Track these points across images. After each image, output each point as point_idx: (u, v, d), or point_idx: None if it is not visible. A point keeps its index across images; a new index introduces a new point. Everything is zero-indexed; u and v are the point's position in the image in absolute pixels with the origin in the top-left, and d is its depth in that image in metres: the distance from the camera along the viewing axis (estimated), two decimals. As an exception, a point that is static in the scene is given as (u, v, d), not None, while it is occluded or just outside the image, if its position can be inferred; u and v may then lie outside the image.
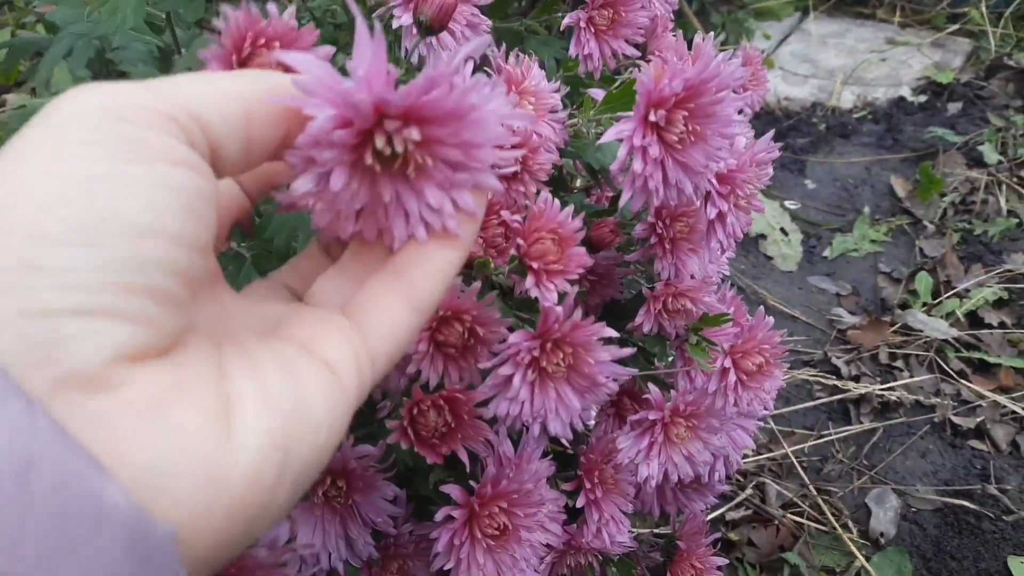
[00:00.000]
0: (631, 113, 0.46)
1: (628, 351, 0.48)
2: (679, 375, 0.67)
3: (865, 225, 1.58)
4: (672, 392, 0.58)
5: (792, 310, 1.41)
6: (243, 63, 0.38)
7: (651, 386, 0.57)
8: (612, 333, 0.46)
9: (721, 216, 0.52)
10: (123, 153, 0.21)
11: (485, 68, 0.69)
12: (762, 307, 0.57)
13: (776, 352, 0.56)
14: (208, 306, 0.28)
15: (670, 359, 0.68)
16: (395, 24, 0.54)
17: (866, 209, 1.63)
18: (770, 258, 1.54)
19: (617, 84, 0.59)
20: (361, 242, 0.31)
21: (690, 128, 0.44)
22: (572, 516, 0.62)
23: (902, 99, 2.01)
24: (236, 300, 0.30)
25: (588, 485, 0.59)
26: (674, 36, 0.75)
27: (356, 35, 0.28)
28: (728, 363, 0.55)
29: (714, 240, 0.54)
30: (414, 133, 0.28)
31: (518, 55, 0.59)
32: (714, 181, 0.51)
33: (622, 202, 0.46)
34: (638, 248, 0.62)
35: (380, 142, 0.28)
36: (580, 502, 0.59)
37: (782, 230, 1.58)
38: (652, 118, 0.43)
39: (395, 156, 0.29)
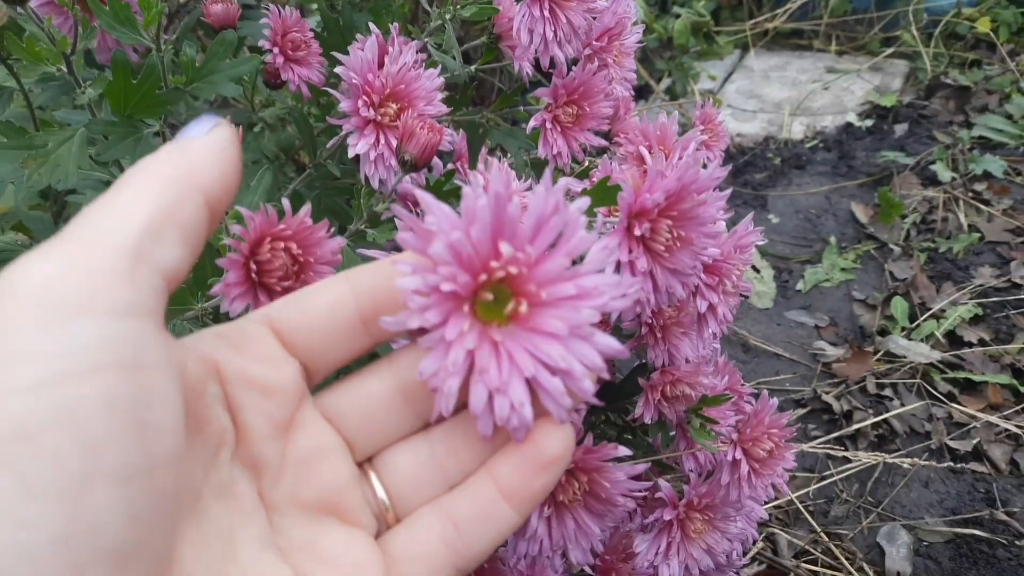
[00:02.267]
0: (612, 221, 0.46)
1: (642, 467, 0.47)
2: (684, 457, 0.65)
3: (833, 254, 1.60)
4: (683, 486, 0.57)
5: (774, 347, 1.41)
6: (262, 267, 0.37)
7: (662, 483, 0.56)
8: (626, 452, 0.45)
9: (712, 308, 0.52)
10: None
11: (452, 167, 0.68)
12: (766, 392, 0.56)
13: (784, 434, 0.55)
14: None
15: (671, 440, 0.67)
16: (351, 152, 0.53)
17: (832, 238, 1.65)
18: (745, 297, 1.54)
19: (592, 181, 0.59)
20: (458, 421, 0.29)
21: (675, 234, 0.44)
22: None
23: (850, 125, 2.05)
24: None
25: (608, 590, 0.57)
26: (637, 116, 0.75)
27: (424, 203, 0.27)
28: (739, 454, 0.54)
29: (707, 331, 0.53)
30: (530, 249, 0.27)
31: (486, 160, 0.59)
32: (702, 275, 0.51)
33: (613, 314, 0.45)
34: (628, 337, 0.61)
35: (495, 263, 0.27)
36: (603, 610, 0.57)
37: (754, 267, 1.59)
38: (637, 231, 0.42)
39: (501, 307, 0.28)
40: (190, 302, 0.48)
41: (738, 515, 0.59)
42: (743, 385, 0.71)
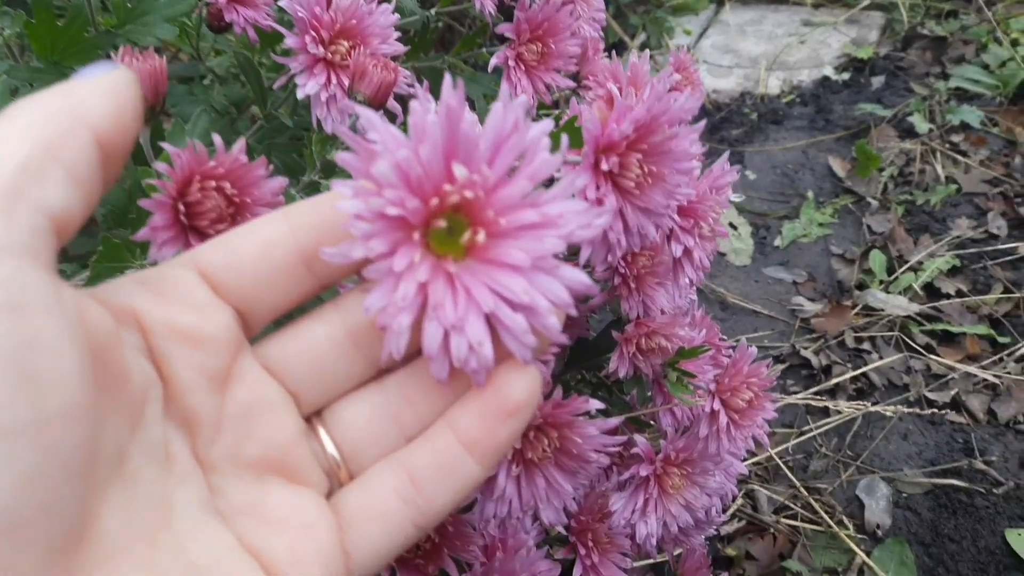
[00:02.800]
0: (579, 158, 0.43)
1: (616, 421, 0.44)
2: (661, 414, 0.63)
3: (811, 209, 1.58)
4: (660, 441, 0.54)
5: (752, 304, 1.39)
6: (191, 210, 0.33)
7: (638, 438, 0.54)
8: (597, 405, 0.42)
9: (688, 252, 0.49)
10: None
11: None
12: (744, 340, 0.54)
13: (764, 383, 0.53)
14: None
15: (649, 396, 0.64)
16: (300, 94, 0.49)
17: (809, 193, 1.63)
18: (723, 254, 1.52)
19: (560, 122, 0.55)
20: (414, 368, 0.26)
21: (646, 170, 0.41)
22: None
23: (826, 79, 2.03)
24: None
25: (583, 551, 0.55)
26: (607, 57, 0.72)
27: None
28: (717, 405, 0.51)
29: (683, 277, 0.51)
30: (486, 170, 0.24)
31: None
32: (676, 216, 0.48)
33: (582, 259, 0.42)
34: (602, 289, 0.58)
35: (449, 187, 0.24)
36: (577, 572, 0.55)
37: (731, 224, 1.57)
38: (605, 166, 0.39)
39: (457, 238, 0.25)
40: (126, 258, 0.44)
41: (717, 469, 0.57)
42: (722, 339, 0.68)
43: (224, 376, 0.25)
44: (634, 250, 0.48)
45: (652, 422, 0.64)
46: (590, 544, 0.55)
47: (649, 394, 0.64)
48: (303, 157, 0.78)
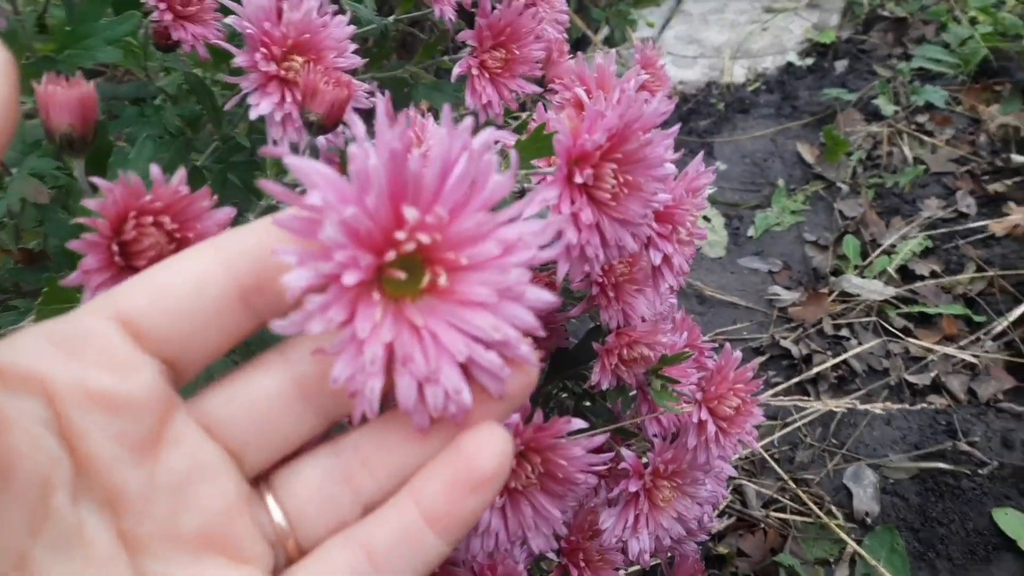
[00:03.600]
0: (551, 170, 0.41)
1: (601, 438, 0.42)
2: (647, 422, 0.62)
3: (783, 197, 1.58)
4: (648, 453, 0.53)
5: (730, 296, 1.39)
6: (127, 249, 0.31)
7: (625, 452, 0.52)
8: (580, 424, 0.41)
9: (667, 259, 0.47)
10: None
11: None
12: (728, 345, 0.52)
13: (751, 388, 0.52)
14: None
15: (632, 405, 0.63)
16: (253, 114, 0.47)
17: (780, 181, 1.63)
18: (698, 247, 1.51)
19: (528, 131, 0.54)
20: (372, 424, 0.24)
21: (621, 180, 0.39)
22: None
23: (791, 65, 2.03)
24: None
25: (575, 572, 0.53)
26: (572, 58, 0.70)
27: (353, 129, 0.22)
28: (704, 414, 0.50)
29: (663, 284, 0.49)
30: (440, 211, 0.22)
31: (408, 116, 0.53)
32: (653, 224, 0.46)
33: (559, 275, 0.40)
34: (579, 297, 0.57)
35: (402, 235, 0.22)
36: (571, 592, 0.53)
37: (704, 217, 1.56)
38: (579, 179, 0.37)
39: (416, 279, 0.23)
40: (72, 298, 0.42)
41: (707, 477, 0.56)
42: (703, 339, 0.67)
43: (153, 441, 0.22)
44: (612, 262, 0.46)
45: (638, 430, 0.63)
46: (582, 564, 0.53)
47: (633, 400, 0.63)
48: (263, 171, 0.75)
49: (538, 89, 0.62)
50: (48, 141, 0.35)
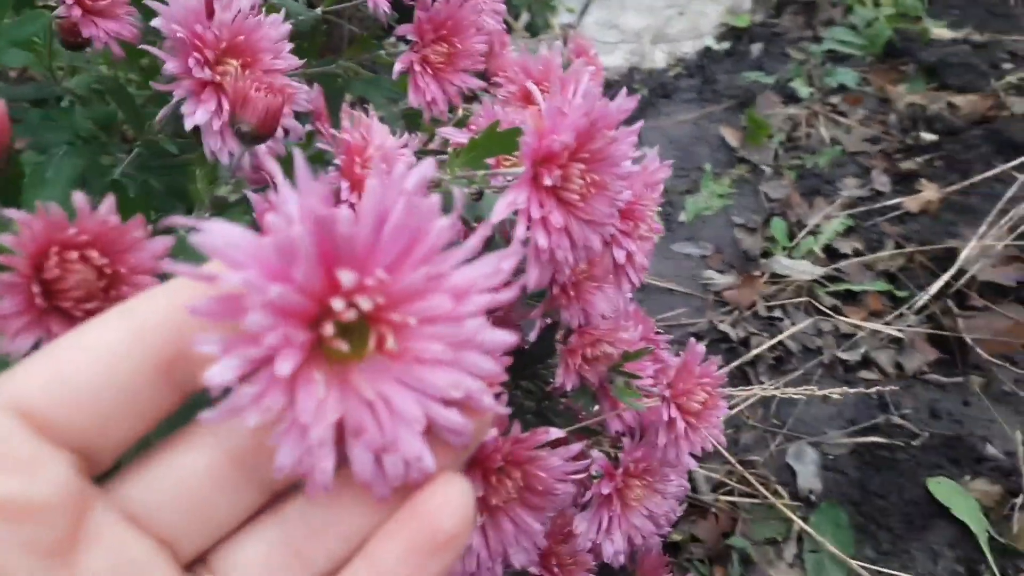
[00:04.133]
0: (516, 171, 0.39)
1: (578, 446, 0.41)
2: (608, 419, 0.61)
3: (710, 181, 1.60)
4: (618, 454, 0.52)
5: (666, 282, 1.40)
6: (50, 288, 0.27)
7: (595, 454, 0.51)
8: (559, 433, 0.39)
9: (630, 257, 0.46)
10: None
11: (312, 131, 0.59)
12: (692, 338, 0.52)
13: (716, 381, 0.51)
14: None
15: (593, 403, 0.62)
16: (188, 124, 0.43)
17: (707, 165, 1.65)
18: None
19: (473, 131, 0.51)
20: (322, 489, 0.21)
21: (588, 180, 0.37)
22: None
23: (708, 49, 2.06)
24: None
25: (548, 579, 0.52)
26: (514, 50, 0.68)
27: (275, 175, 0.20)
28: (673, 412, 0.49)
29: (625, 282, 0.48)
30: (381, 275, 0.20)
31: (351, 116, 0.50)
32: (616, 222, 0.45)
33: (529, 282, 0.38)
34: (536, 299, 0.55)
35: (339, 304, 0.20)
36: (545, 602, 0.52)
37: (635, 204, 1.57)
38: (548, 181, 0.35)
39: (360, 338, 0.21)
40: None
41: (674, 472, 0.55)
42: (657, 332, 0.67)
43: (69, 544, 0.19)
44: (579, 263, 0.45)
45: (599, 428, 0.62)
46: (555, 570, 0.52)
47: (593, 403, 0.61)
48: (190, 178, 0.70)
49: (482, 84, 0.59)
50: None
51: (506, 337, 0.21)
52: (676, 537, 0.99)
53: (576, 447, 0.39)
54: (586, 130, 0.36)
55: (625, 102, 0.37)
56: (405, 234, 0.20)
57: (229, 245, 0.19)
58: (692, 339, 0.51)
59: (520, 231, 0.35)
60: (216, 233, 0.19)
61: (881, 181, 1.57)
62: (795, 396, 1.01)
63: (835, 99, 1.79)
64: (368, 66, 0.65)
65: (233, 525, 0.22)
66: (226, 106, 0.46)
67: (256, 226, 0.45)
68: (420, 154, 0.55)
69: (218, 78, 0.45)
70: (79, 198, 0.27)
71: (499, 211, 0.36)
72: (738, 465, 1.06)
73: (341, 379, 0.21)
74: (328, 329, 0.20)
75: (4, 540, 0.18)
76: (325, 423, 0.20)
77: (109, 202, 0.28)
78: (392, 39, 0.66)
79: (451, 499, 0.21)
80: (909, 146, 1.63)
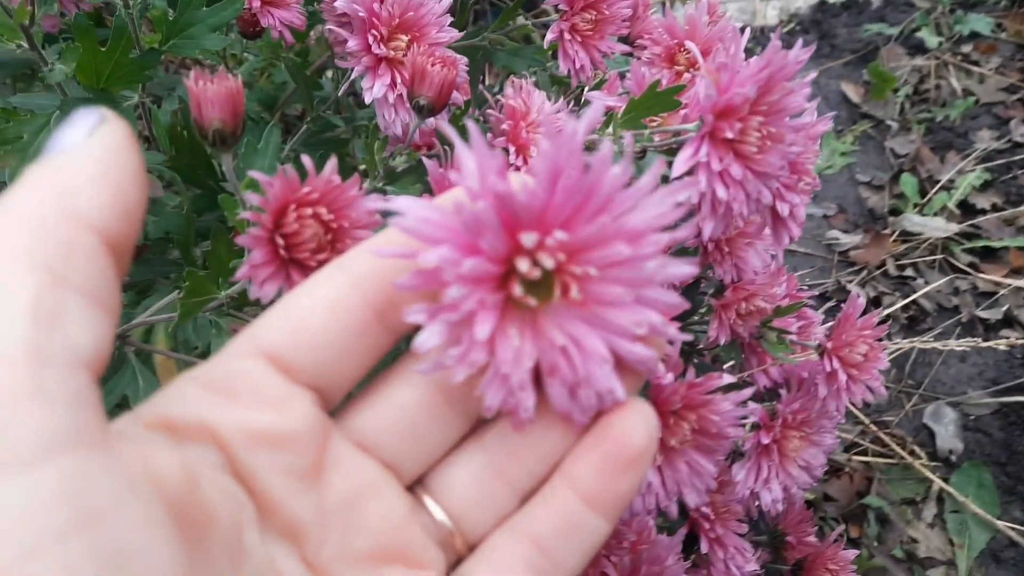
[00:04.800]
0: (692, 127, 0.40)
1: (749, 391, 0.42)
2: (757, 374, 0.62)
3: (831, 139, 1.55)
4: (776, 406, 0.53)
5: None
6: (290, 241, 0.31)
7: (753, 405, 0.52)
8: (730, 379, 0.41)
9: (793, 210, 0.47)
10: None
11: (479, 103, 0.62)
12: (855, 291, 0.52)
13: (878, 333, 0.51)
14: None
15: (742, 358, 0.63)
16: (367, 97, 0.47)
17: (827, 123, 1.60)
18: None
19: (613, 93, 0.53)
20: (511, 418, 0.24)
21: (764, 132, 0.38)
22: (685, 553, 0.57)
23: (823, 3, 1.98)
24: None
25: (706, 525, 0.54)
26: (655, 14, 0.69)
27: (457, 146, 0.22)
28: (836, 363, 0.50)
29: (785, 236, 0.49)
30: (560, 235, 0.22)
31: (513, 83, 0.52)
32: (786, 176, 0.46)
33: (706, 235, 0.40)
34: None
35: (524, 264, 0.22)
36: (704, 547, 0.54)
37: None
38: (729, 134, 0.37)
39: (546, 284, 0.23)
40: (211, 291, 0.42)
41: (829, 424, 0.56)
42: (800, 288, 0.67)
43: (316, 469, 0.22)
44: (750, 217, 0.46)
45: (747, 381, 0.63)
46: (712, 516, 0.54)
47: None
48: (350, 156, 0.75)
49: (626, 48, 0.61)
50: (200, 137, 0.34)
51: (687, 268, 0.23)
52: (809, 496, 0.99)
53: (747, 391, 0.41)
54: (766, 83, 0.37)
55: (801, 52, 0.38)
56: (581, 188, 0.22)
57: (421, 222, 0.21)
58: (854, 291, 0.51)
59: (703, 183, 0.37)
60: (410, 214, 0.21)
61: (1021, 132, 1.48)
62: (930, 356, 0.98)
63: (966, 48, 1.69)
64: (512, 36, 0.67)
65: (444, 450, 0.25)
66: (399, 80, 0.49)
67: (430, 191, 0.48)
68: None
69: (392, 53, 0.49)
70: (307, 160, 0.30)
71: (680, 164, 0.37)
72: (872, 425, 1.04)
73: (532, 326, 0.23)
74: (517, 290, 0.22)
75: (268, 466, 0.22)
76: (523, 369, 0.22)
77: (333, 163, 0.31)
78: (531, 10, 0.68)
79: (638, 420, 0.23)
80: (1051, 93, 1.53)
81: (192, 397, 0.21)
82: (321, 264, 0.34)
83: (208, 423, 0.21)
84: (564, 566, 0.23)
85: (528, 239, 0.22)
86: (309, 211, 0.32)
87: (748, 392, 0.43)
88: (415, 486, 0.25)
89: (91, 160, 0.18)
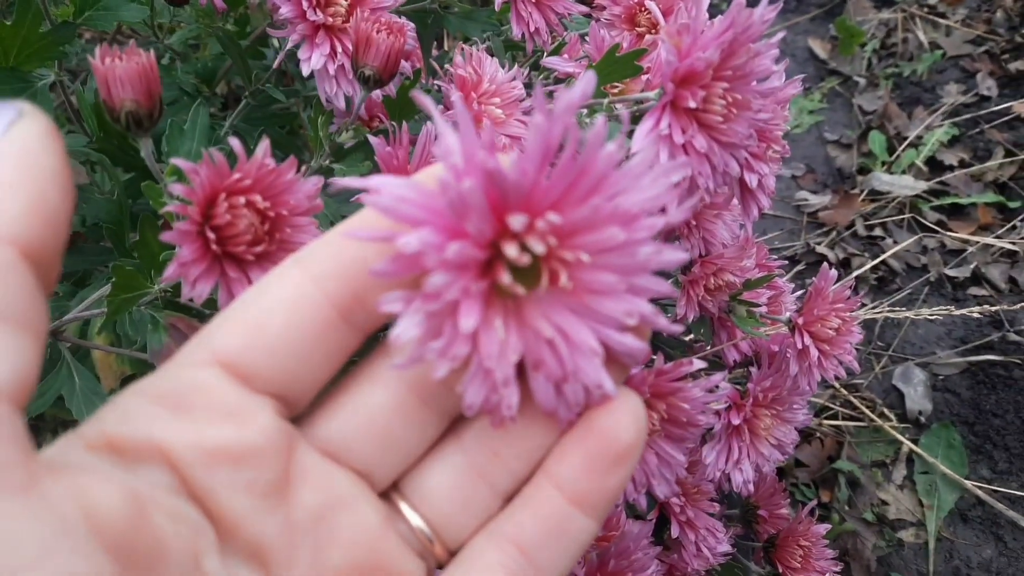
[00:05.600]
0: (653, 95, 0.37)
1: (719, 376, 0.40)
2: (725, 350, 0.60)
3: (799, 98, 1.53)
4: (748, 384, 0.51)
5: (755, 206, 1.36)
6: (222, 234, 0.28)
7: (723, 384, 0.50)
8: (701, 365, 0.38)
9: (761, 180, 0.44)
10: None
11: (421, 69, 0.58)
12: (825, 265, 0.50)
13: (850, 306, 0.49)
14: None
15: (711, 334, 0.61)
16: (305, 69, 0.43)
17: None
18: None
19: (573, 58, 0.50)
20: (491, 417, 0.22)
21: (730, 99, 0.35)
22: (656, 535, 0.55)
23: (790, -45, 1.94)
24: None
25: (676, 508, 0.52)
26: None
27: (436, 120, 0.20)
28: (807, 340, 0.48)
29: (754, 208, 0.46)
30: (553, 218, 0.20)
31: (463, 50, 0.49)
32: (753, 144, 0.43)
33: (671, 217, 0.37)
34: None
35: (512, 250, 0.19)
36: (675, 531, 0.52)
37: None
38: (691, 103, 0.34)
39: (532, 271, 0.20)
40: (142, 285, 0.39)
41: (800, 400, 0.54)
42: (769, 257, 0.65)
43: (282, 483, 0.20)
44: (717, 190, 0.43)
45: (716, 359, 0.61)
46: (682, 499, 0.52)
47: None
48: (293, 133, 0.71)
49: (584, 8, 0.57)
50: (111, 120, 0.31)
51: (679, 255, 0.21)
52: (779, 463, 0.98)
53: (718, 377, 0.39)
54: (730, 46, 0.34)
55: (767, 11, 0.35)
56: (573, 167, 0.20)
57: (400, 202, 0.19)
58: (825, 264, 0.49)
59: (664, 158, 0.34)
60: (386, 192, 0.19)
61: (987, 85, 1.47)
62: (900, 318, 0.98)
63: (933, 0, 1.67)
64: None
65: (420, 452, 0.23)
66: (339, 49, 0.45)
67: (378, 169, 0.45)
68: (527, 87, 0.54)
69: (330, 20, 0.45)
70: (235, 143, 0.27)
71: (639, 138, 0.35)
72: (842, 389, 1.04)
73: (517, 316, 0.21)
74: (505, 278, 0.20)
75: (227, 484, 0.19)
76: (508, 364, 0.20)
77: (265, 145, 0.28)
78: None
79: (626, 413, 0.21)
80: (1018, 45, 1.52)
81: (140, 413, 0.19)
82: (259, 257, 0.31)
83: (158, 441, 0.19)
84: (549, 570, 0.22)
85: (517, 221, 0.19)
86: (242, 200, 0.29)
87: (719, 378, 0.41)
88: (390, 491, 0.23)
89: (6, 164, 0.16)
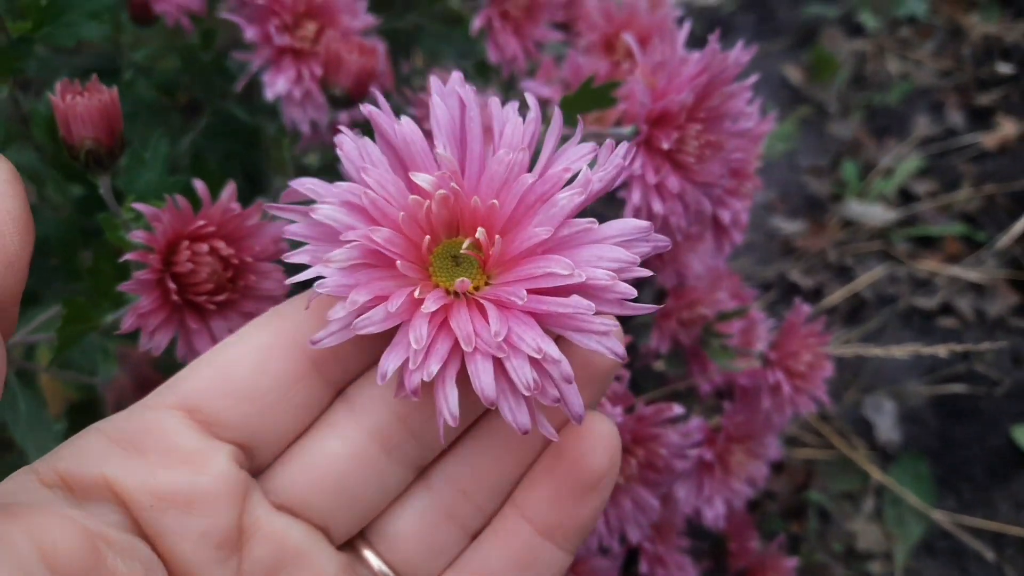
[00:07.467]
0: (626, 132, 0.37)
1: (698, 422, 0.40)
2: (700, 382, 0.59)
3: (772, 124, 1.54)
4: (720, 420, 0.50)
5: (728, 231, 1.36)
6: (183, 282, 0.27)
7: (695, 420, 0.49)
8: (680, 410, 0.38)
9: (736, 217, 0.44)
10: None
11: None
12: (798, 299, 0.49)
13: (823, 340, 0.49)
14: None
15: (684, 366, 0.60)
16: (269, 94, 0.42)
17: (768, 107, 1.59)
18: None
19: (570, 84, 0.49)
20: (460, 454, 0.22)
21: (703, 141, 0.35)
22: (624, 571, 0.54)
23: (766, -16, 1.96)
24: None
25: (646, 544, 0.51)
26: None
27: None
28: (779, 375, 0.47)
29: (727, 243, 0.46)
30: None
31: (434, 76, 0.48)
32: (726, 183, 0.43)
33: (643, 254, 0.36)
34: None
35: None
36: (643, 567, 0.51)
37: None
38: (665, 145, 0.33)
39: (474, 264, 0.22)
40: (93, 317, 0.37)
41: (771, 434, 0.54)
42: (743, 287, 0.64)
43: (235, 535, 0.20)
44: (688, 228, 0.43)
45: (689, 392, 0.60)
46: (652, 536, 0.51)
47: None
48: (257, 150, 0.69)
49: (560, 36, 0.57)
50: (71, 158, 0.29)
51: (638, 222, 0.23)
52: (751, 492, 0.98)
53: (696, 423, 0.38)
54: (705, 87, 0.33)
55: (742, 54, 0.35)
56: (477, 132, 0.22)
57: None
58: (797, 299, 0.48)
59: (636, 198, 0.34)
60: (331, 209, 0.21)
61: (955, 118, 1.49)
62: (868, 345, 0.98)
63: (905, 32, 1.69)
64: (440, 18, 0.62)
65: (383, 504, 0.22)
66: (306, 74, 0.44)
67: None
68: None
69: (297, 44, 0.44)
70: (200, 186, 0.26)
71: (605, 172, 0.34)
72: (812, 420, 1.04)
73: (467, 314, 0.21)
74: (448, 291, 0.21)
75: (178, 529, 0.19)
76: (442, 351, 0.20)
77: (231, 189, 0.27)
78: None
79: (598, 439, 0.21)
80: (984, 80, 1.55)
81: (95, 451, 0.19)
82: (221, 306, 0.30)
83: (109, 480, 0.19)
84: None
85: (421, 178, 0.22)
86: (205, 247, 0.28)
87: (696, 423, 0.40)
88: (355, 538, 0.22)
89: None
